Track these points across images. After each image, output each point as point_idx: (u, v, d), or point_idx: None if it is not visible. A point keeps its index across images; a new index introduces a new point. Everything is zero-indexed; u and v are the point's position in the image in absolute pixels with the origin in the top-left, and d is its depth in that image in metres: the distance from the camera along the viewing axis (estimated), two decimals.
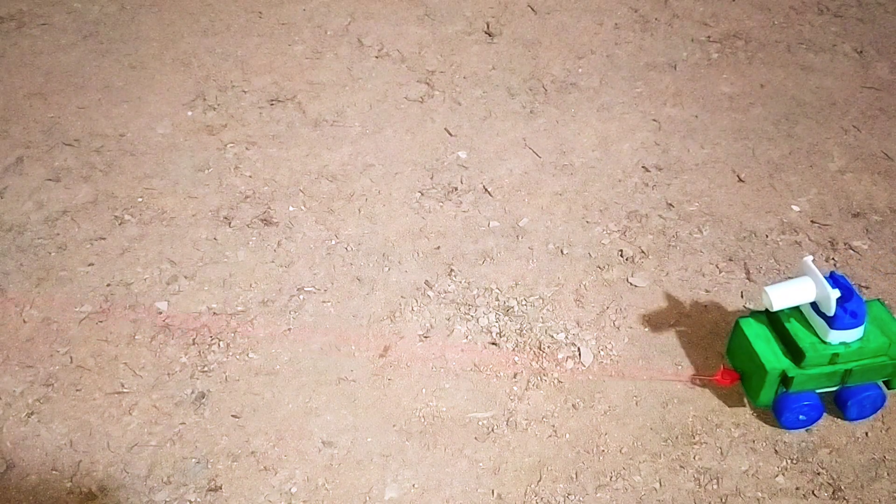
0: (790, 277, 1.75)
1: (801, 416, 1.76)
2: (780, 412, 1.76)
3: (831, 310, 1.68)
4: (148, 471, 1.73)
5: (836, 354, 1.71)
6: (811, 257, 1.74)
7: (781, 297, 1.73)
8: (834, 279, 1.72)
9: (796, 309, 1.75)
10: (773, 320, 1.78)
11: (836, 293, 1.67)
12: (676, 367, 1.89)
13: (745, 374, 1.80)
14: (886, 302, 2.02)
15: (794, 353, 1.72)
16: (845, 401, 1.77)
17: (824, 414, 1.79)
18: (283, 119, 2.50)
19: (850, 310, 1.68)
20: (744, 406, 1.83)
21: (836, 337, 1.71)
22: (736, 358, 1.84)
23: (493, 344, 1.95)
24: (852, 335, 1.71)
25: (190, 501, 1.68)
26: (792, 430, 1.79)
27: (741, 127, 2.48)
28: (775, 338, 1.77)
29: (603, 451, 1.76)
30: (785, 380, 1.73)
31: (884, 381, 1.79)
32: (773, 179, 2.33)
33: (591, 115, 2.51)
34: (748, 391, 1.81)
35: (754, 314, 1.81)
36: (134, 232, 2.18)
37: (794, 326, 1.75)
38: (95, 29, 2.80)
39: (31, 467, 1.74)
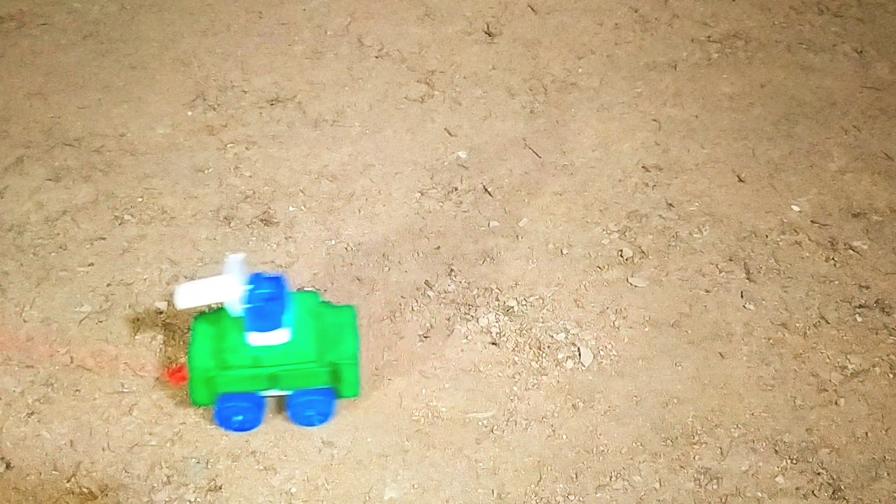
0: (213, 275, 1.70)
1: (237, 417, 1.74)
2: (216, 412, 1.74)
3: (236, 311, 1.64)
4: (148, 471, 1.73)
5: (259, 357, 1.67)
6: (239, 256, 1.70)
7: (187, 295, 1.68)
8: (274, 281, 1.68)
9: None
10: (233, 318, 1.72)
11: (234, 295, 1.62)
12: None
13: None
14: (885, 301, 2.02)
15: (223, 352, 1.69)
16: (287, 405, 1.75)
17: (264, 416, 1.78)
18: (283, 119, 2.50)
19: (263, 312, 1.64)
20: (744, 406, 1.83)
21: (254, 339, 1.67)
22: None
23: (493, 344, 1.95)
24: (273, 338, 1.67)
25: (190, 501, 1.68)
26: (234, 432, 1.76)
27: (741, 127, 2.48)
28: (221, 336, 1.72)
29: (603, 451, 1.76)
30: (210, 380, 1.70)
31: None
32: (773, 179, 2.33)
33: (591, 115, 2.51)
34: (189, 390, 1.75)
35: (218, 311, 1.74)
36: (134, 232, 2.18)
37: (231, 326, 1.70)
38: (95, 29, 2.80)
39: (30, 467, 1.74)
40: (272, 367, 1.70)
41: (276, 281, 1.70)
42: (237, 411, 1.74)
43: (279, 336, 1.69)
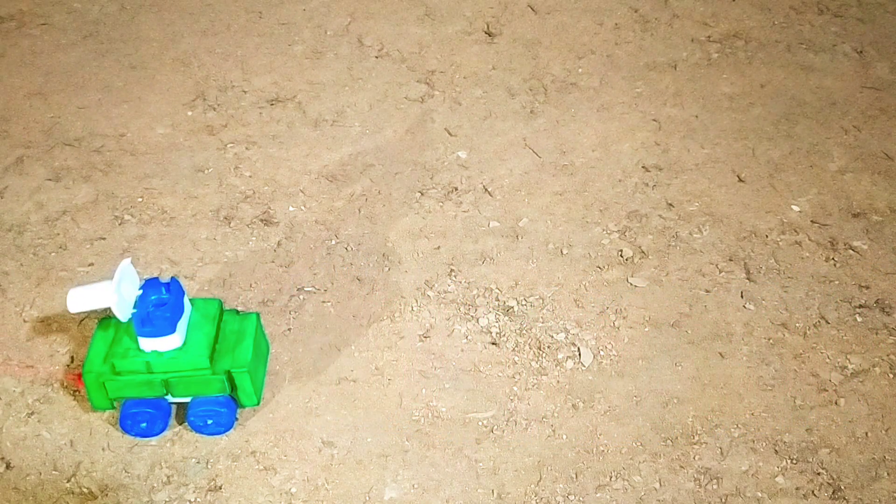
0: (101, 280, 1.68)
1: (140, 424, 1.73)
2: (119, 417, 1.73)
3: (122, 316, 1.63)
4: (148, 471, 1.73)
5: (150, 363, 1.65)
6: (128, 260, 1.68)
7: (78, 299, 1.66)
8: (168, 286, 1.66)
9: None
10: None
11: (113, 299, 1.60)
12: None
13: None
14: (885, 301, 2.02)
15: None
16: (186, 412, 1.74)
17: (170, 424, 1.76)
18: (283, 119, 2.50)
19: (151, 317, 1.62)
20: (744, 406, 1.83)
21: (146, 345, 1.65)
22: None
23: (493, 344, 1.95)
24: (163, 344, 1.65)
25: (190, 501, 1.68)
26: (143, 438, 1.75)
27: (741, 127, 2.48)
28: (117, 341, 1.70)
29: (603, 451, 1.76)
30: (102, 385, 1.68)
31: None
32: (773, 179, 2.33)
33: (591, 115, 2.51)
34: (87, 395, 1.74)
35: None
36: (134, 232, 2.18)
37: (127, 329, 1.68)
38: (95, 29, 2.80)
39: (30, 467, 1.74)
40: (163, 373, 1.68)
41: (171, 286, 1.68)
42: (140, 416, 1.72)
43: (170, 342, 1.66)
